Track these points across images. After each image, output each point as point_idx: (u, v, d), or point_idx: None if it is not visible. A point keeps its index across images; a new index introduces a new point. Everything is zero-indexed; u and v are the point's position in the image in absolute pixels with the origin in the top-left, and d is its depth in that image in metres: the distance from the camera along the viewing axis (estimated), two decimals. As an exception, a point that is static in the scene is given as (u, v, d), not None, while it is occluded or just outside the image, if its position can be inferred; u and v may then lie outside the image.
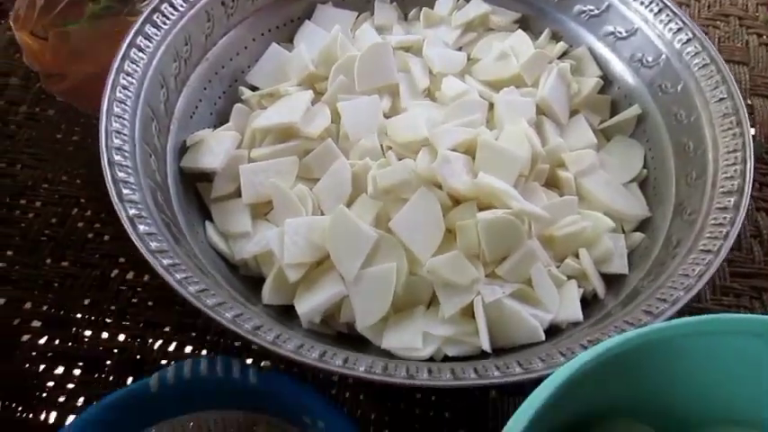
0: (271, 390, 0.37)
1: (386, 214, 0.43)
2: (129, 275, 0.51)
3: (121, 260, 0.51)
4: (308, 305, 0.41)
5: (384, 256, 0.42)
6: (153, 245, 0.37)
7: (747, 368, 0.38)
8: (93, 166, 0.52)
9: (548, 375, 0.33)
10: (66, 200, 0.54)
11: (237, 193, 0.46)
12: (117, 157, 0.40)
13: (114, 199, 0.38)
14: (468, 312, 0.40)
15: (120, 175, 0.39)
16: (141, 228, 0.37)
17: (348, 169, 0.45)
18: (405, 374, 0.34)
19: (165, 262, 0.36)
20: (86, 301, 0.49)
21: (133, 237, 0.37)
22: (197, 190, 0.48)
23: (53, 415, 0.44)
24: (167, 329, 0.48)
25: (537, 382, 0.30)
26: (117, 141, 0.41)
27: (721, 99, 0.45)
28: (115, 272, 0.51)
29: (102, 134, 0.41)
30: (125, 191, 0.39)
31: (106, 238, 0.53)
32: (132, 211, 0.38)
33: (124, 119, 0.43)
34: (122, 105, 0.43)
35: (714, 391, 0.39)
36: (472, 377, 0.34)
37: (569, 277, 0.43)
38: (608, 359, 0.34)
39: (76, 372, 0.46)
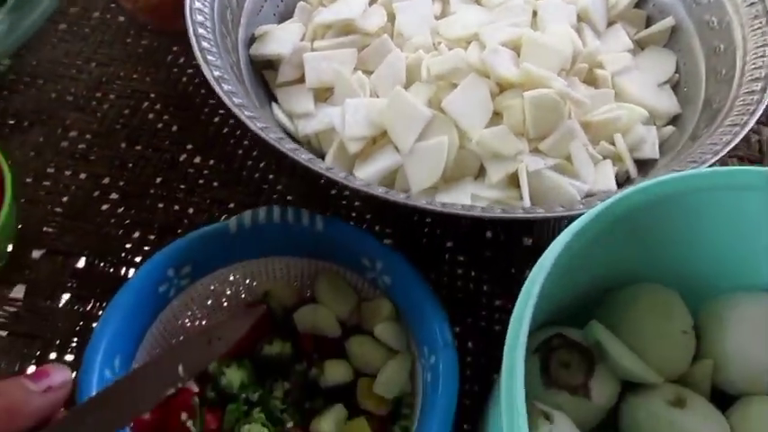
0: (334, 236, 0.42)
1: (438, 99, 0.47)
2: (197, 159, 0.56)
3: (189, 146, 0.56)
4: (367, 172, 0.46)
5: (436, 132, 0.46)
6: (236, 100, 0.41)
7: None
8: (161, 68, 0.58)
9: (569, 216, 0.37)
10: (138, 94, 0.59)
11: (301, 80, 0.51)
12: (200, 30, 0.44)
13: (200, 61, 0.42)
14: (513, 181, 0.45)
15: (204, 44, 0.44)
16: (225, 87, 0.42)
17: (402, 60, 0.49)
18: (461, 207, 0.38)
19: (247, 114, 0.41)
20: (158, 180, 0.54)
21: (220, 93, 0.41)
22: (263, 78, 0.52)
23: (131, 271, 0.49)
24: (232, 206, 0.53)
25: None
26: (199, 18, 0.45)
27: (752, 3, 0.48)
28: (183, 156, 0.56)
29: (187, 9, 0.45)
30: (209, 57, 0.43)
31: (174, 128, 0.58)
32: (216, 73, 0.42)
33: (205, 2, 0.47)
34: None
35: (737, 255, 0.42)
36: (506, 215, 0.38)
37: (604, 157, 0.47)
38: (626, 212, 0.37)
39: (151, 236, 0.51)
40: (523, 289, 0.33)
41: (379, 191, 0.39)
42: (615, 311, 0.42)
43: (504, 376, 0.29)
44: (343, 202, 0.54)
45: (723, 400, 0.40)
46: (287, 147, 0.40)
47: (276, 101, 0.51)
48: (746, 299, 0.41)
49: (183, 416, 0.37)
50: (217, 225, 0.42)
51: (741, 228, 0.40)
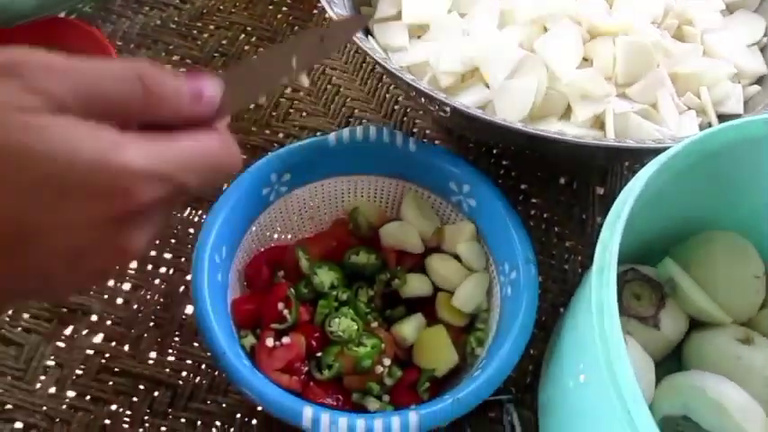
0: (425, 158, 0.45)
1: (530, 41, 0.49)
2: (288, 90, 0.59)
3: (281, 77, 0.59)
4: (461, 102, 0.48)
5: (527, 71, 0.48)
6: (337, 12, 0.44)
7: None
8: (259, 3, 0.60)
9: (657, 149, 0.38)
10: (236, 26, 0.63)
11: (397, 17, 0.53)
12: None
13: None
14: (598, 123, 0.46)
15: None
16: (335, 9, 0.45)
17: (497, 4, 0.51)
18: (552, 132, 0.40)
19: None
20: (252, 106, 0.58)
21: (329, 11, 0.44)
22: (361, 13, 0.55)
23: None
24: (319, 134, 0.56)
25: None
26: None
27: None
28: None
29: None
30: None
31: (268, 60, 0.61)
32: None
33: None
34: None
35: None
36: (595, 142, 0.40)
37: (689, 108, 0.48)
38: (712, 151, 0.38)
39: (244, 156, 0.54)
40: (614, 205, 0.35)
41: (478, 111, 0.41)
42: (689, 253, 0.44)
43: (594, 273, 0.31)
44: (415, 130, 0.56)
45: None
46: (391, 66, 0.42)
47: (373, 36, 0.53)
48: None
49: (280, 305, 0.41)
50: (318, 138, 0.45)
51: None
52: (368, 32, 0.54)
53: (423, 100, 0.45)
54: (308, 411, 0.34)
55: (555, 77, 0.47)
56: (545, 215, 0.53)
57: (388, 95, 0.59)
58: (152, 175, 0.23)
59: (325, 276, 0.43)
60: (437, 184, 0.45)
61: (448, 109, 0.43)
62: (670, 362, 0.42)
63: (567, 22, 0.48)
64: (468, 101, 0.48)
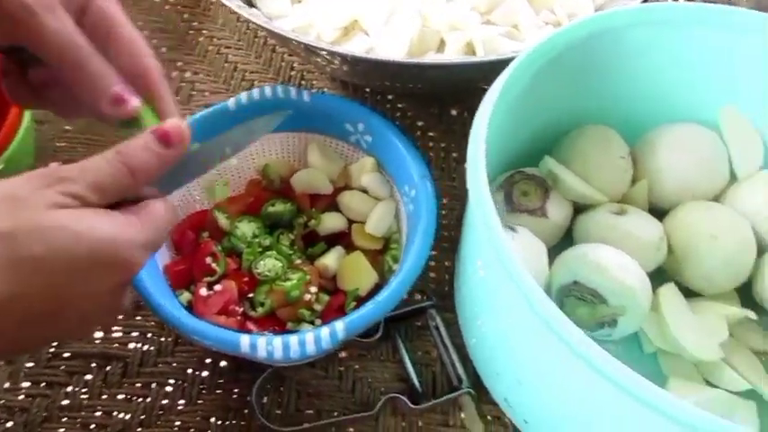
0: (320, 106, 0.48)
1: (398, -11, 0.54)
2: (187, 74, 0.62)
3: (179, 64, 0.62)
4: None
5: (401, 14, 0.52)
6: None
7: (699, 63, 0.48)
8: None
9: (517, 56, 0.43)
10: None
11: (275, -15, 0.57)
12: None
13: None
14: (470, 50, 0.51)
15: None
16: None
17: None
18: (428, 60, 0.45)
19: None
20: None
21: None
22: (241, -11, 0.58)
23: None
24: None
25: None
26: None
27: None
28: (175, 73, 0.62)
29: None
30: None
31: (163, 50, 0.63)
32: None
33: None
34: None
35: (675, 90, 0.49)
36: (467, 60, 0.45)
37: (547, 23, 0.54)
38: (565, 47, 0.43)
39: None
40: (478, 111, 0.39)
41: (361, 53, 0.45)
42: (565, 149, 0.50)
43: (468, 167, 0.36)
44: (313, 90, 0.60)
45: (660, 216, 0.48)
46: (276, 29, 0.46)
47: (255, 6, 0.57)
48: (673, 127, 0.49)
49: (208, 260, 0.44)
50: (218, 105, 0.48)
51: (672, 64, 0.48)
52: (251, 4, 0.57)
53: (310, 55, 0.49)
54: (245, 339, 0.37)
55: (426, 17, 0.52)
56: (442, 144, 0.58)
57: (283, 63, 0.63)
58: (146, 245, 0.30)
59: (246, 228, 0.46)
60: (335, 128, 0.49)
61: (337, 60, 0.47)
62: (564, 244, 0.47)
63: (430, -34, 0.53)
64: (353, 49, 0.52)
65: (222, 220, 0.46)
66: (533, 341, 0.35)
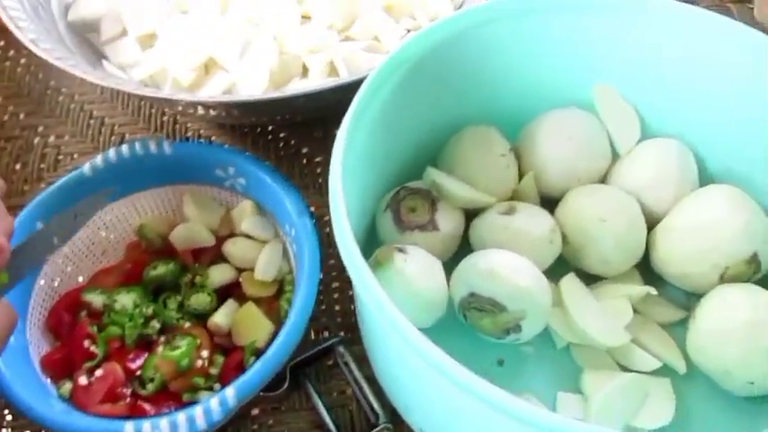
0: (184, 155, 0.46)
1: (251, 15, 0.51)
2: (51, 139, 0.58)
3: (40, 129, 0.58)
4: (205, 94, 0.49)
5: (257, 45, 0.50)
6: (57, 54, 0.44)
7: (564, 48, 0.47)
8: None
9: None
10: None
11: (124, 33, 0.53)
12: (6, 2, 0.46)
13: (12, 27, 0.44)
14: (334, 70, 0.50)
15: (13, 14, 0.46)
16: (43, 46, 0.44)
17: (216, -9, 0.53)
18: (289, 91, 0.43)
19: (70, 64, 0.43)
20: (17, 166, 0.56)
21: (38, 51, 0.44)
22: (89, 42, 0.54)
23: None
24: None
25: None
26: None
27: None
28: (37, 139, 0.58)
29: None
30: (21, 23, 0.45)
31: (21, 116, 0.59)
32: (31, 36, 0.45)
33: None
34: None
35: (547, 78, 0.49)
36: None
37: (409, 30, 0.52)
38: (422, 55, 0.42)
39: (24, 216, 0.53)
40: (335, 144, 0.37)
41: (219, 96, 0.42)
42: (446, 156, 0.48)
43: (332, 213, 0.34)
44: (189, 134, 0.58)
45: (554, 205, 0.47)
46: (128, 86, 0.43)
47: (107, 59, 0.53)
48: (550, 114, 0.48)
49: (86, 343, 0.41)
50: (73, 173, 0.44)
51: (539, 53, 0.47)
52: (102, 57, 0.54)
53: (170, 104, 0.46)
54: (128, 427, 0.35)
55: (283, 42, 0.50)
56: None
57: (153, 110, 0.59)
58: None
59: (126, 299, 0.43)
60: (206, 175, 0.47)
61: (197, 108, 0.44)
62: (465, 253, 0.46)
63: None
64: (212, 90, 0.49)
65: (96, 299, 0.43)
66: (421, 374, 0.34)
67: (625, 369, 0.43)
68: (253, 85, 0.49)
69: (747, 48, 0.42)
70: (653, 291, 0.44)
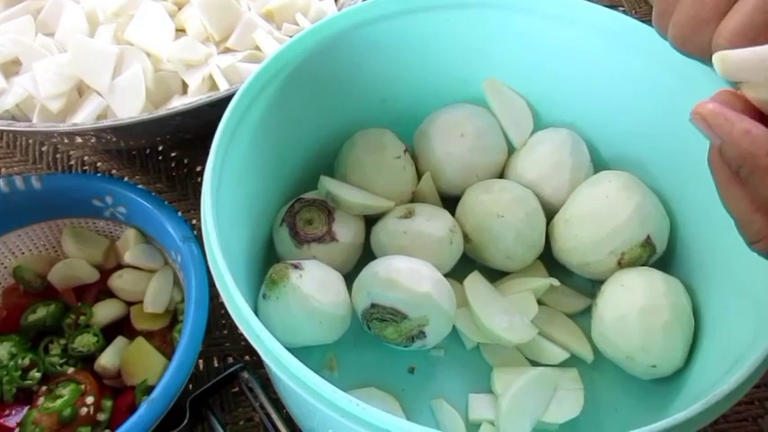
0: (55, 189, 0.42)
1: (122, 33, 0.48)
2: None
3: None
4: (78, 120, 0.46)
5: (129, 64, 0.47)
6: None
7: (452, 45, 0.46)
8: None
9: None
10: None
11: (-16, 61, 0.49)
12: None
13: None
14: (215, 84, 0.47)
15: None
16: None
17: (80, 11, 0.49)
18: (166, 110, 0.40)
19: None
20: None
21: None
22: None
23: None
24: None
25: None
26: None
27: None
28: None
29: None
30: None
31: None
32: None
33: None
34: None
35: (436, 75, 0.48)
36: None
37: (291, 37, 0.50)
38: (301, 59, 0.40)
39: None
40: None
41: (90, 122, 0.39)
42: (341, 162, 0.47)
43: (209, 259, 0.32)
44: (71, 162, 0.54)
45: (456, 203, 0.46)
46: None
47: (-33, 89, 0.49)
48: (441, 111, 0.47)
49: (-45, 405, 0.37)
50: (-72, 219, 0.41)
51: (426, 52, 0.46)
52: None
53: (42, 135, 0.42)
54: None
55: (158, 59, 0.47)
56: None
57: (30, 141, 0.55)
58: None
59: (1, 350, 0.40)
60: (83, 208, 0.43)
61: (66, 137, 0.41)
62: (367, 262, 0.45)
63: (149, 3, 0.48)
64: (85, 116, 0.46)
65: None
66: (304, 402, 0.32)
67: (535, 363, 0.42)
68: (128, 107, 0.46)
69: (630, 37, 0.42)
70: (555, 282, 0.43)
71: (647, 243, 0.41)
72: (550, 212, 0.45)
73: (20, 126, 0.39)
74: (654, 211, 0.42)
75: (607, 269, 0.42)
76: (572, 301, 0.45)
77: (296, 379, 0.28)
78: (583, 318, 0.44)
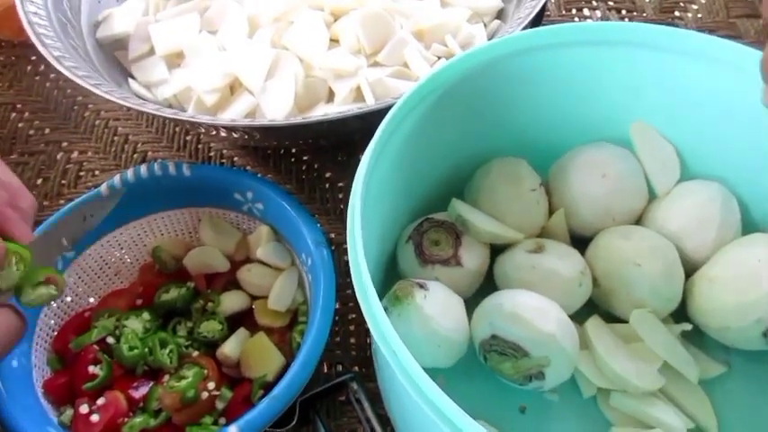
0: (203, 178, 0.45)
1: (280, 39, 0.51)
2: (74, 155, 0.57)
3: (64, 144, 0.58)
4: (228, 117, 0.48)
5: (283, 68, 0.49)
6: (80, 73, 0.43)
7: (601, 82, 0.45)
8: (23, 78, 0.58)
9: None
10: (4, 107, 0.60)
11: (151, 52, 0.53)
12: (34, 19, 0.46)
13: (36, 43, 0.44)
14: (361, 95, 0.48)
15: (40, 30, 0.46)
16: (67, 63, 0.44)
17: (243, 14, 0.52)
18: (314, 117, 0.41)
19: (93, 83, 0.43)
20: (39, 181, 0.56)
21: (61, 69, 0.43)
22: (116, 59, 0.54)
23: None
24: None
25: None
26: (31, 8, 0.47)
27: None
28: (60, 154, 0.57)
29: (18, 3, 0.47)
30: (46, 40, 0.45)
31: (47, 131, 0.59)
32: (56, 53, 0.44)
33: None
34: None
35: (582, 111, 0.47)
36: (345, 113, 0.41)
37: (439, 57, 0.51)
38: (453, 82, 0.40)
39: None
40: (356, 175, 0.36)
41: (239, 121, 0.41)
42: (473, 188, 0.46)
43: (351, 262, 0.32)
44: (211, 154, 0.57)
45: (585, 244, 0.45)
46: (149, 108, 0.42)
47: (133, 77, 0.53)
48: (584, 149, 0.46)
49: (91, 368, 0.39)
50: (88, 193, 0.43)
51: (575, 86, 0.45)
52: (130, 76, 0.53)
53: (193, 125, 0.45)
54: (125, 462, 0.33)
55: (310, 66, 0.49)
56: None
57: (177, 129, 0.59)
58: None
59: (136, 324, 0.42)
60: (224, 199, 0.45)
61: (219, 130, 0.43)
62: (488, 290, 0.44)
63: (307, 12, 0.50)
64: (236, 113, 0.48)
65: (104, 324, 0.42)
66: (432, 427, 0.32)
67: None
68: (277, 109, 0.48)
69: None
70: (687, 326, 0.41)
71: (799, 317, 0.38)
72: (689, 269, 0.42)
73: (184, 116, 0.42)
74: (810, 283, 0.39)
75: (750, 337, 0.39)
76: (702, 366, 0.42)
77: (428, 401, 0.27)
78: (712, 387, 0.41)
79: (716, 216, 0.42)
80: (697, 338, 0.42)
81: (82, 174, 0.56)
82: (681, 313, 0.43)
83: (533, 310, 0.38)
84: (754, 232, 0.42)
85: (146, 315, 0.42)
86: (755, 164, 0.43)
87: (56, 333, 0.42)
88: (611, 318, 0.43)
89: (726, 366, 0.42)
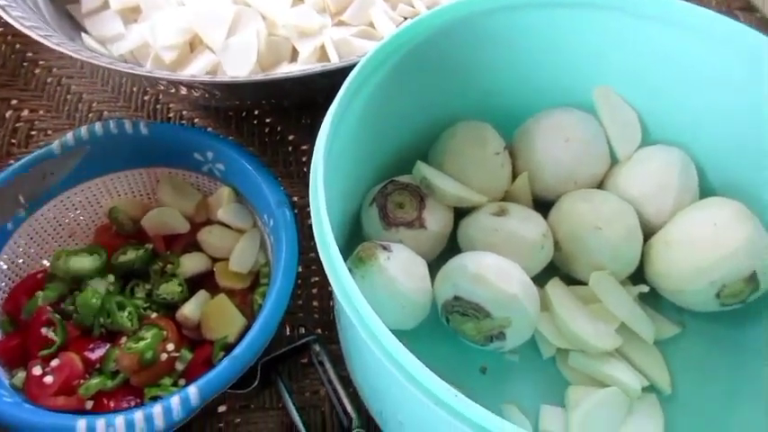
0: (161, 137, 0.43)
1: (242, -5, 0.49)
2: (24, 113, 0.55)
3: (13, 102, 0.55)
4: (188, 73, 0.47)
5: (245, 25, 0.47)
6: (28, 24, 0.41)
7: (565, 45, 0.45)
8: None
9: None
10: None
11: (105, 6, 0.51)
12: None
13: None
14: (325, 55, 0.47)
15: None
16: (14, 13, 0.42)
17: (203, -33, 0.50)
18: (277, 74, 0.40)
19: (41, 34, 0.41)
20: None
21: (8, 19, 0.41)
22: (69, 13, 0.52)
23: None
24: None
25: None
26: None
27: None
28: (9, 112, 0.55)
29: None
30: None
31: (-5, 87, 0.56)
32: (2, 2, 0.42)
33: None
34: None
35: (546, 75, 0.47)
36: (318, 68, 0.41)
37: (406, 18, 0.50)
38: (417, 42, 0.39)
39: None
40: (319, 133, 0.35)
41: (200, 78, 0.40)
42: (438, 151, 0.46)
43: (313, 216, 0.32)
44: (170, 115, 0.55)
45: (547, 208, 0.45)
46: (102, 61, 0.40)
47: (87, 32, 0.51)
48: (548, 113, 0.46)
49: (44, 330, 0.38)
50: (40, 151, 0.42)
51: (540, 49, 0.45)
52: (82, 30, 0.51)
53: (151, 82, 0.43)
54: (81, 423, 0.32)
55: (273, 23, 0.48)
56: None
57: (135, 89, 0.57)
58: None
59: (84, 262, 0.41)
60: (183, 159, 0.44)
61: (178, 87, 0.42)
62: (452, 253, 0.44)
63: (270, -32, 0.48)
64: (196, 70, 0.47)
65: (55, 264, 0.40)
66: (396, 385, 0.32)
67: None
68: (238, 67, 0.46)
69: (754, 54, 0.40)
70: (645, 288, 0.42)
71: (752, 279, 0.39)
72: (647, 233, 0.43)
73: (141, 71, 0.40)
74: (763, 247, 0.40)
75: (704, 300, 0.40)
76: (658, 326, 0.43)
77: (392, 360, 0.27)
78: (667, 346, 0.42)
79: (675, 181, 0.43)
80: (653, 300, 0.43)
81: (33, 133, 0.54)
82: (638, 276, 0.44)
83: (497, 271, 0.38)
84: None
85: (97, 254, 0.41)
86: (715, 130, 0.44)
87: (6, 295, 0.41)
88: (572, 280, 0.44)
89: (680, 327, 0.43)
